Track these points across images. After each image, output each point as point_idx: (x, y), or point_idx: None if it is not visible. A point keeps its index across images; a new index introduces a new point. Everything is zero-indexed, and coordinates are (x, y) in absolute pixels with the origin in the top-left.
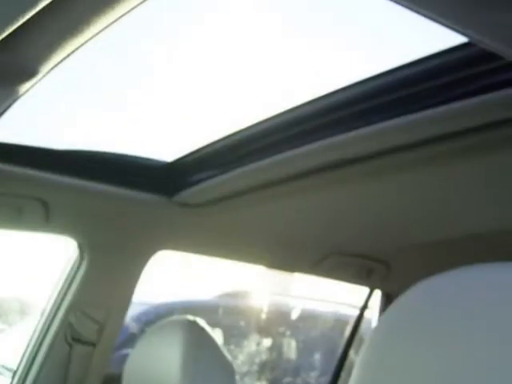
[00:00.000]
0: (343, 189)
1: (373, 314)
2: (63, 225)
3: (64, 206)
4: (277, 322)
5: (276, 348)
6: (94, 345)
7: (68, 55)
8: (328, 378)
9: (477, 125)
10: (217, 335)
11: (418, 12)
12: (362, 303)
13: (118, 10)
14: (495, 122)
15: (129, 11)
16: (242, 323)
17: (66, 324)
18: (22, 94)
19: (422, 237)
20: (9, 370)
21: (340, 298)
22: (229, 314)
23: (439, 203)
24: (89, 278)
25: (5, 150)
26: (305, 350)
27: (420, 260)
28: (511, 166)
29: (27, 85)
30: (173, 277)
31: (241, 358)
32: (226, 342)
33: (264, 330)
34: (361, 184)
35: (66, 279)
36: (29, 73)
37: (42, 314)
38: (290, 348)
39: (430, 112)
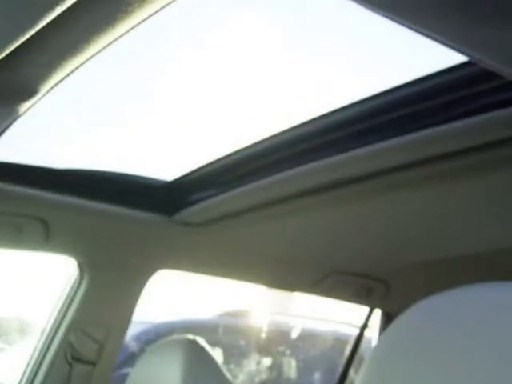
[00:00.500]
0: (343, 208)
1: (373, 333)
2: (63, 244)
3: (64, 225)
4: (277, 341)
5: (276, 367)
6: (94, 364)
7: (68, 74)
8: None
9: (477, 144)
10: (217, 354)
11: (418, 31)
12: (361, 322)
13: (118, 29)
14: (495, 142)
15: (129, 30)
16: (242, 342)
17: (66, 343)
18: (23, 113)
19: (422, 256)
20: None
21: (340, 317)
22: (229, 333)
23: (439, 222)
24: (89, 297)
25: (5, 168)
26: (305, 369)
27: (420, 279)
28: (511, 185)
29: (27, 104)
30: (173, 296)
31: (241, 377)
32: (226, 361)
33: (264, 349)
34: (360, 203)
35: (66, 298)
36: (29, 92)
37: (42, 333)
38: (290, 367)
39: (429, 131)
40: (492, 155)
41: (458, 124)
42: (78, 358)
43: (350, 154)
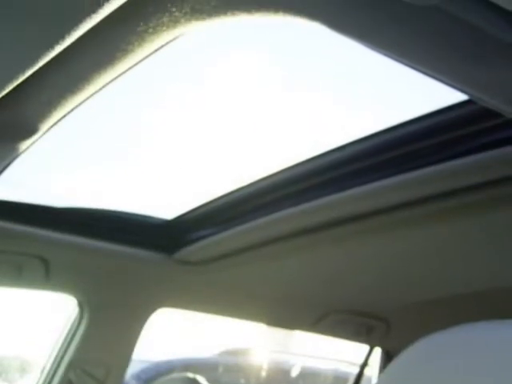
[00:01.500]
0: (342, 246)
1: (373, 372)
2: (63, 282)
3: (64, 263)
4: (277, 380)
5: None
6: None
7: (68, 112)
8: None
9: (476, 182)
10: None
11: (418, 70)
12: (361, 361)
13: (118, 68)
14: (495, 180)
15: (129, 68)
16: (243, 381)
17: (66, 382)
18: (23, 152)
19: (422, 294)
20: None
21: (340, 356)
22: (229, 371)
23: (438, 261)
24: (89, 336)
25: (5, 207)
26: None
27: (420, 317)
28: (511, 223)
29: (28, 142)
30: (173, 334)
31: None
32: None
33: None
34: (359, 242)
35: (66, 336)
36: (29, 130)
37: (42, 371)
38: None
39: (429, 170)
40: (491, 194)
41: (457, 162)
42: None
43: (350, 192)
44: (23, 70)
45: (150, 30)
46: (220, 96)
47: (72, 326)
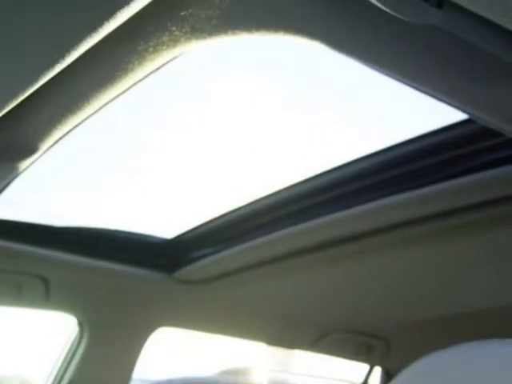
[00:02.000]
0: (342, 266)
1: None
2: (63, 301)
3: (64, 282)
4: None
5: None
6: None
7: (68, 131)
8: None
9: (477, 202)
10: None
11: (418, 89)
12: (362, 380)
13: (118, 87)
14: (495, 199)
15: (129, 87)
16: None
17: None
18: (22, 171)
19: (422, 313)
20: None
21: (340, 375)
22: None
23: (439, 280)
24: (89, 355)
25: (5, 226)
26: None
27: (420, 336)
28: (510, 243)
29: (28, 161)
30: (173, 353)
31: None
32: None
33: None
34: (359, 261)
35: (66, 356)
36: (29, 149)
37: None
38: None
39: (429, 189)
40: (491, 213)
41: (457, 181)
42: None
43: (349, 211)
44: (24, 89)
45: (151, 49)
46: (220, 115)
47: (72, 345)
